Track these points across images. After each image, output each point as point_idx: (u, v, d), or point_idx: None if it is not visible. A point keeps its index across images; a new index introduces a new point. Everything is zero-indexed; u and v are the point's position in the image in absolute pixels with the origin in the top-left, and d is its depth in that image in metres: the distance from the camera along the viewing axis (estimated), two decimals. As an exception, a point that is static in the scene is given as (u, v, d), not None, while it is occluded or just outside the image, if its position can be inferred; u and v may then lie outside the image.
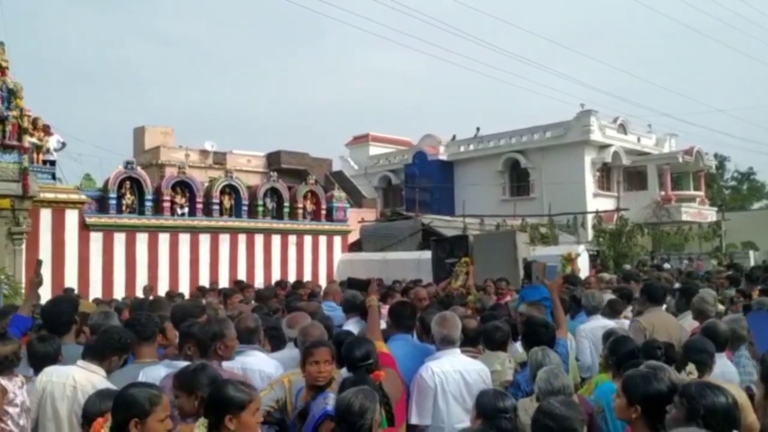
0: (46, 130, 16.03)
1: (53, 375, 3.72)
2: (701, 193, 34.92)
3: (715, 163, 40.33)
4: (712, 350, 3.85)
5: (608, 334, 4.48)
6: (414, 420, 4.08)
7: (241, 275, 17.81)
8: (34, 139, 15.26)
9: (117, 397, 2.79)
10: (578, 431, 2.70)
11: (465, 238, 14.28)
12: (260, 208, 19.81)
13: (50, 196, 15.42)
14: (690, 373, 3.38)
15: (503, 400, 3.08)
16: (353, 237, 22.72)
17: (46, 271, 15.14)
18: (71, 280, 15.33)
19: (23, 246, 14.65)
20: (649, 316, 5.31)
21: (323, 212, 21.36)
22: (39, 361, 3.99)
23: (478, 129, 35.61)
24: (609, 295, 7.12)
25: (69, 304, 4.91)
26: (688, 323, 5.52)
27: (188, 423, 3.07)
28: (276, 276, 18.43)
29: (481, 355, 4.68)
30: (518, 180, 33.35)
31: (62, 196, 15.76)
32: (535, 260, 11.98)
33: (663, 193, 32.31)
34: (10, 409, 3.64)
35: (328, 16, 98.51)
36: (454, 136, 36.55)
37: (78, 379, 3.64)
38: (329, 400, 3.34)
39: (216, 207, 18.81)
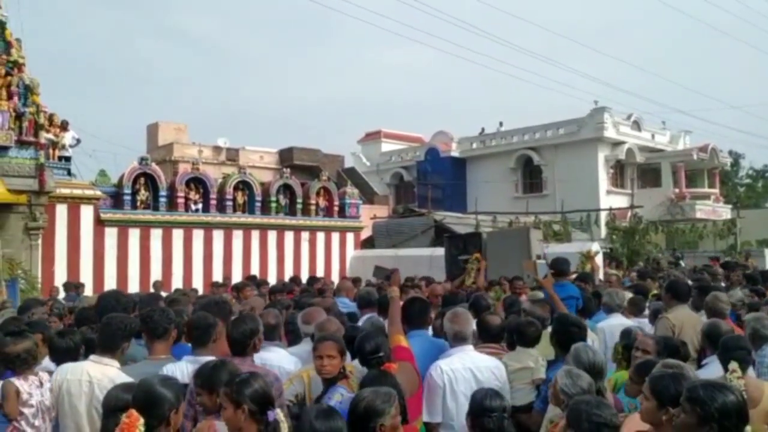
0: (64, 126, 16.16)
1: (68, 372, 3.71)
2: (716, 190, 34.67)
3: (729, 160, 40.00)
4: (749, 347, 3.81)
5: (626, 332, 4.46)
6: (425, 418, 4.11)
7: (254, 271, 17.87)
8: (50, 135, 15.38)
9: (153, 393, 2.81)
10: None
11: (478, 235, 14.24)
12: (273, 205, 19.88)
13: (66, 191, 15.54)
14: (734, 371, 3.31)
15: (492, 400, 3.07)
16: (365, 233, 22.74)
17: (61, 266, 15.37)
18: (86, 275, 15.45)
19: (39, 241, 14.78)
20: (677, 313, 5.27)
21: (336, 209, 21.40)
22: (60, 356, 3.99)
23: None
24: (628, 294, 7.07)
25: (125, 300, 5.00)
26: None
27: (209, 419, 3.11)
28: (289, 272, 18.48)
29: (505, 352, 4.67)
30: (531, 177, 33.21)
31: (77, 192, 15.89)
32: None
33: (677, 190, 32.09)
34: (25, 410, 3.64)
35: (340, 12, 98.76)
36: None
37: (93, 374, 3.63)
38: (334, 395, 3.40)
39: (229, 203, 18.89)
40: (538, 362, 4.47)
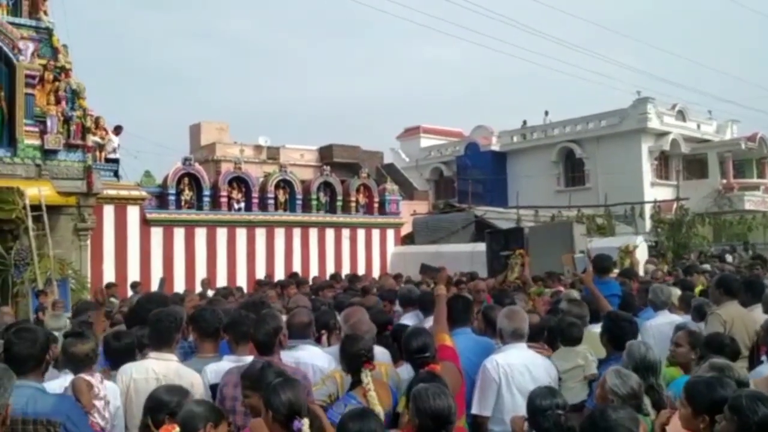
0: (118, 131, 16.69)
1: (133, 372, 3.82)
2: (765, 180, 33.68)
3: (780, 149, 38.82)
4: None
5: (682, 329, 4.34)
6: (475, 410, 4.13)
7: (296, 268, 18.04)
8: (96, 138, 15.75)
9: (184, 413, 2.91)
10: None
11: (520, 230, 14.10)
12: (314, 202, 20.00)
13: (113, 193, 15.87)
14: None
15: (544, 399, 3.09)
16: (406, 230, 22.73)
17: (109, 266, 15.75)
18: (134, 274, 15.78)
19: (88, 241, 15.15)
20: (728, 309, 5.10)
21: (376, 205, 21.41)
22: (117, 357, 4.11)
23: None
24: (675, 289, 6.86)
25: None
26: (758, 317, 5.31)
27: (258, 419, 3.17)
28: (330, 269, 18.61)
29: (546, 350, 4.63)
30: (573, 170, 32.75)
31: (124, 193, 16.22)
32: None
33: (725, 181, 31.32)
34: (97, 403, 3.78)
35: (378, 9, 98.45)
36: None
37: (158, 370, 3.76)
38: (341, 407, 3.44)
39: (271, 201, 19.07)
40: (587, 358, 4.42)
